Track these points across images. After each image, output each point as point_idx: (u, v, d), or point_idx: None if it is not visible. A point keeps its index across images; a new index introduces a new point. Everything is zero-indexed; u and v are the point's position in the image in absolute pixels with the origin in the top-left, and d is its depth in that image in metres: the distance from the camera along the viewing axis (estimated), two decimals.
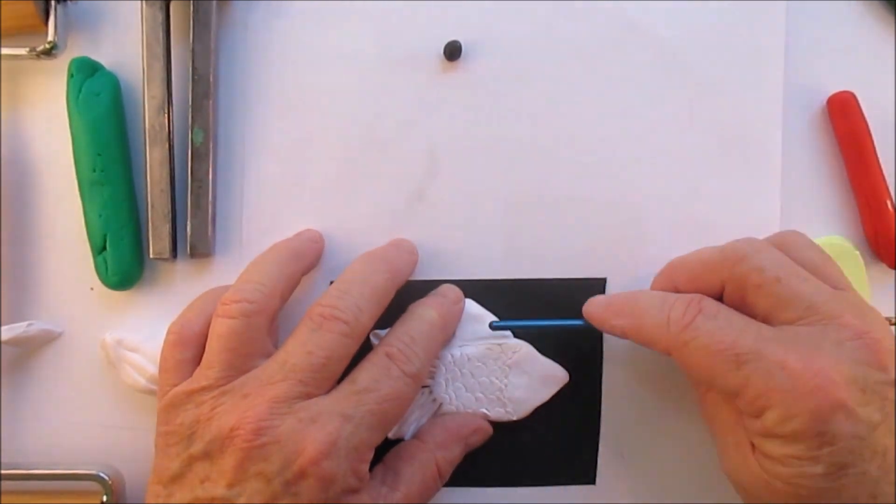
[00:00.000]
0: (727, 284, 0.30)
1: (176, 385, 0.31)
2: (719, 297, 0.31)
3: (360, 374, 0.31)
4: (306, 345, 0.30)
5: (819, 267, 0.30)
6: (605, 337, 0.36)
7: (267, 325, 0.32)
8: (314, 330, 0.30)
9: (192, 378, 0.31)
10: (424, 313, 0.33)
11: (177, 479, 0.29)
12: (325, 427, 0.29)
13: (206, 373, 0.30)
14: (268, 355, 0.31)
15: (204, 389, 0.30)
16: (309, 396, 0.30)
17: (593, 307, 0.33)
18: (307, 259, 0.35)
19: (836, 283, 0.30)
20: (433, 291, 0.35)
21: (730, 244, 0.31)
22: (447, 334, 0.34)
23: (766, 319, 0.29)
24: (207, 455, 0.29)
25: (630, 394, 0.36)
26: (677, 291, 0.32)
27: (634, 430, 0.36)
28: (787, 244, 0.31)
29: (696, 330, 0.29)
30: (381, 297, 0.33)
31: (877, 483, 0.26)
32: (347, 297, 0.31)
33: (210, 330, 0.31)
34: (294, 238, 0.35)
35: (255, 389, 0.29)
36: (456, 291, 0.35)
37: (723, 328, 0.28)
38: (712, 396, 0.31)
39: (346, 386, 0.30)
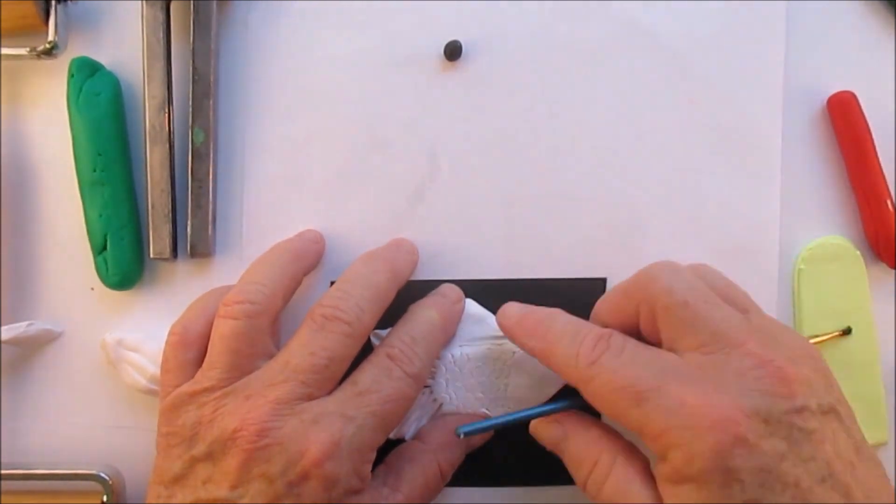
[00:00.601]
0: (641, 306, 0.29)
1: (178, 386, 0.31)
2: (637, 327, 0.30)
3: (362, 375, 0.31)
4: (309, 346, 0.30)
5: (725, 292, 0.30)
6: None
7: (269, 326, 0.32)
8: (316, 331, 0.30)
9: (195, 379, 0.31)
10: (425, 314, 0.33)
11: (178, 480, 0.29)
12: (328, 428, 0.29)
13: (208, 374, 0.30)
14: (270, 356, 0.31)
15: (206, 391, 0.30)
16: (311, 397, 0.30)
17: (505, 318, 0.32)
18: (308, 260, 0.35)
19: (743, 308, 0.29)
20: (433, 291, 0.35)
21: (646, 266, 0.30)
22: (448, 334, 0.34)
23: (673, 344, 0.28)
24: (210, 456, 0.29)
25: None
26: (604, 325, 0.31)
27: None
28: (700, 274, 0.31)
29: (600, 367, 0.28)
30: (383, 297, 0.33)
31: None
32: (349, 298, 0.31)
33: (212, 331, 0.31)
34: (295, 238, 0.35)
35: (257, 391, 0.29)
36: (456, 291, 0.35)
37: (626, 365, 0.28)
38: None
39: (348, 387, 0.30)
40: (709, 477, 0.25)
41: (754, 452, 0.25)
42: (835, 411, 0.26)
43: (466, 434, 0.30)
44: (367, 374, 0.31)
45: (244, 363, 0.31)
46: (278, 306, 0.32)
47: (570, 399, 0.30)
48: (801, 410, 0.25)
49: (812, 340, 0.35)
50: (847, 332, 0.37)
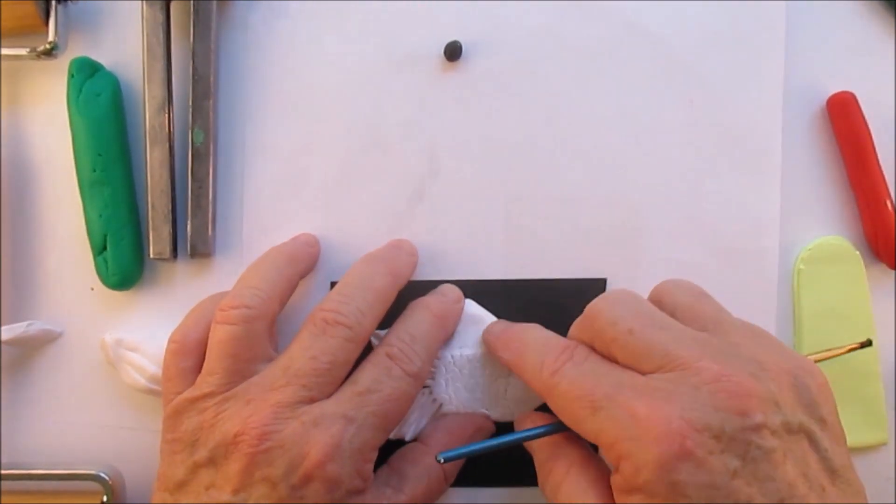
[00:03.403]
0: (594, 344, 0.29)
1: (180, 393, 0.31)
2: None
3: (362, 376, 0.31)
4: (310, 350, 0.30)
5: (688, 308, 0.30)
6: None
7: (266, 330, 0.32)
8: (317, 335, 0.30)
9: (195, 385, 0.31)
10: (424, 312, 0.33)
11: (182, 486, 0.29)
12: (329, 430, 0.29)
13: (207, 379, 0.30)
14: (269, 359, 0.31)
15: (206, 396, 0.30)
16: (312, 401, 0.30)
17: (488, 334, 0.34)
18: (303, 263, 0.35)
19: (706, 324, 0.29)
20: (433, 291, 0.35)
21: (592, 301, 0.30)
22: (447, 332, 0.34)
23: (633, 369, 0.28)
24: (212, 461, 0.29)
25: None
26: None
27: None
28: (662, 292, 0.31)
29: (562, 376, 0.28)
30: (383, 300, 0.33)
31: None
32: (350, 302, 0.31)
33: (210, 336, 0.31)
34: (290, 242, 0.35)
35: (258, 395, 0.29)
36: (455, 291, 0.35)
37: (585, 374, 0.28)
38: None
39: (348, 388, 0.30)
40: (655, 489, 0.24)
41: (702, 468, 0.24)
42: (806, 431, 0.26)
43: (447, 459, 0.29)
44: (367, 373, 0.31)
45: (243, 368, 0.31)
46: (275, 310, 0.32)
47: (555, 423, 0.30)
48: (759, 428, 0.25)
49: (826, 354, 0.33)
50: (867, 344, 0.34)
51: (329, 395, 0.30)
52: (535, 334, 0.32)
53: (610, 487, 0.27)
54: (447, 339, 0.35)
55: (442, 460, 0.29)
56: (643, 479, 0.25)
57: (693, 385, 0.25)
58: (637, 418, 0.25)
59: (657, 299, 0.31)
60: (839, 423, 0.27)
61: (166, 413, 0.31)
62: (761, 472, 0.24)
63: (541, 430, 0.30)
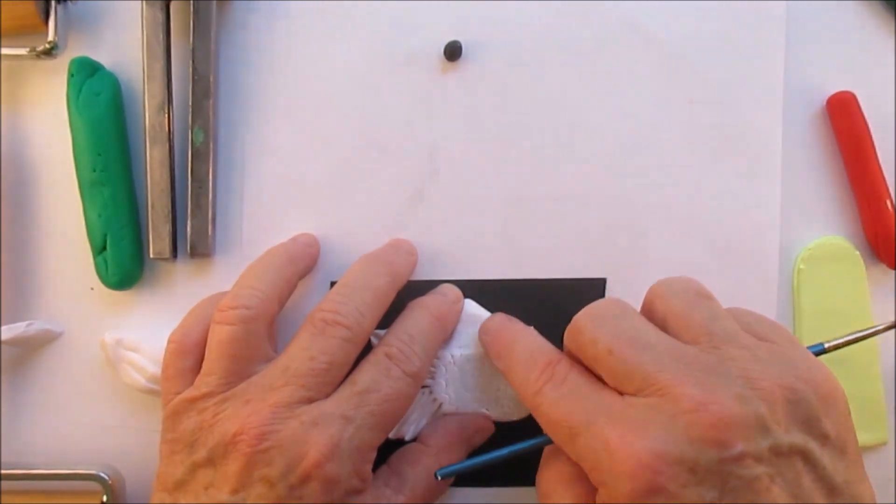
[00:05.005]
0: (580, 357, 0.29)
1: (179, 393, 0.31)
2: None
3: (361, 376, 0.31)
4: (308, 350, 0.30)
5: (681, 316, 0.28)
6: None
7: (265, 330, 0.32)
8: (316, 335, 0.30)
9: (194, 385, 0.31)
10: (423, 312, 0.33)
11: (181, 486, 0.29)
12: (327, 430, 0.29)
13: (206, 380, 0.30)
14: (268, 360, 0.31)
15: (205, 396, 0.30)
16: (311, 401, 0.30)
17: (484, 333, 0.33)
18: (303, 263, 0.35)
19: (698, 335, 0.27)
20: (432, 291, 0.35)
21: (575, 316, 0.29)
22: (446, 332, 0.34)
23: (617, 388, 0.27)
24: (211, 461, 0.29)
25: None
26: None
27: None
28: (655, 296, 0.30)
29: (542, 397, 0.28)
30: (382, 300, 0.33)
31: None
32: (349, 302, 0.31)
33: (209, 337, 0.31)
34: (289, 242, 0.35)
35: (257, 395, 0.29)
36: (455, 291, 0.35)
37: (564, 397, 0.28)
38: None
39: (346, 387, 0.30)
40: None
41: (674, 500, 0.24)
42: (800, 451, 0.25)
43: (444, 476, 0.30)
44: (366, 374, 0.31)
45: (242, 368, 0.31)
46: (274, 310, 0.32)
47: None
48: (741, 458, 0.24)
49: (852, 337, 0.32)
50: (893, 326, 0.33)
51: (328, 396, 0.30)
52: (523, 345, 0.31)
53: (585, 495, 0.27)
54: (446, 339, 0.35)
55: (440, 477, 0.30)
56: None
57: (670, 414, 0.25)
58: (610, 451, 0.25)
59: (650, 304, 0.30)
60: (848, 433, 0.26)
61: (165, 413, 0.31)
62: (742, 501, 0.24)
63: (533, 442, 0.30)
